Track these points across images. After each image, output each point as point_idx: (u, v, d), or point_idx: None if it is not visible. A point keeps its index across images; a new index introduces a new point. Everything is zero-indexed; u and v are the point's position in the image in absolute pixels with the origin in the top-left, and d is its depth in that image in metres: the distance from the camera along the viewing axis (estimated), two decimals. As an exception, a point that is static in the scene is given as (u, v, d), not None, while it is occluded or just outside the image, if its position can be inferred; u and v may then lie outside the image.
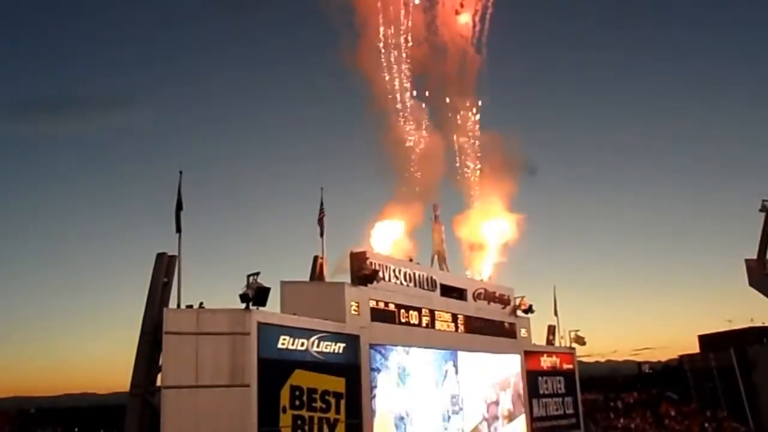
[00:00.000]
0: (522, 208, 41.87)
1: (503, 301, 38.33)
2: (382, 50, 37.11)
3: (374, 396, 28.09)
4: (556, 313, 43.94)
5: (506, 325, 38.19)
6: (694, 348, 58.17)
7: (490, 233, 39.51)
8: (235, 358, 22.76)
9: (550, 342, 43.23)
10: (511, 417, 37.16)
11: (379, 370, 28.64)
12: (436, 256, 37.73)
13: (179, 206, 23.98)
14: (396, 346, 29.81)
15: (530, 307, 39.57)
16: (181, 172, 24.39)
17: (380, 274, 29.18)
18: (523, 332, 39.55)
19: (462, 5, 39.88)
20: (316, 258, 29.47)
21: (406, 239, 34.61)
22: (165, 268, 23.73)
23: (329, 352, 26.09)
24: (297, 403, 24.35)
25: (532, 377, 39.51)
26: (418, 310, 31.61)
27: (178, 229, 23.79)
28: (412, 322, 31.07)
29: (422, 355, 31.37)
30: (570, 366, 43.42)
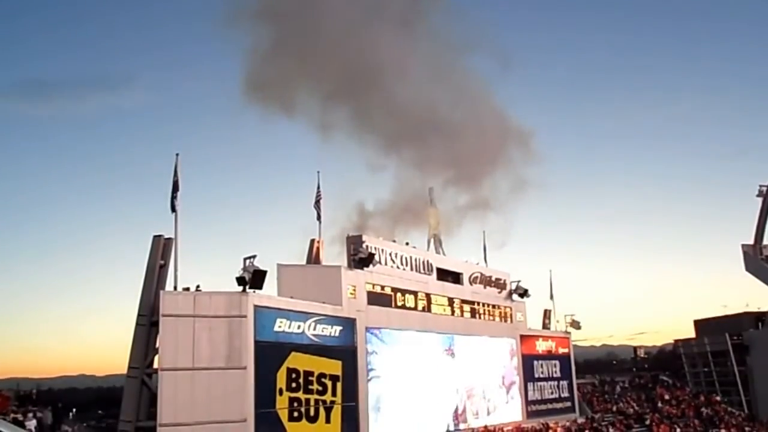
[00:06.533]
0: (518, 193, 42.03)
1: (499, 285, 38.46)
2: None
3: (370, 379, 28.28)
4: (551, 298, 44.20)
5: (502, 309, 38.35)
6: (690, 333, 58.31)
7: None
8: (232, 340, 22.89)
9: (545, 326, 43.41)
10: (506, 400, 37.43)
11: (375, 353, 28.80)
12: (432, 240, 37.77)
13: (176, 188, 23.96)
14: (392, 329, 29.97)
15: (526, 291, 39.73)
16: (177, 155, 24.42)
17: (376, 257, 29.26)
18: (518, 316, 39.72)
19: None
20: (312, 241, 29.44)
21: None
22: (161, 250, 23.75)
23: (326, 335, 26.24)
24: (293, 385, 24.52)
25: (528, 361, 39.73)
26: (414, 293, 31.75)
27: (172, 210, 23.77)
28: (408, 305, 31.25)
29: (418, 339, 31.53)
30: (565, 350, 43.64)
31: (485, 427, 34.13)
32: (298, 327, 25.14)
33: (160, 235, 23.89)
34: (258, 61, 35.48)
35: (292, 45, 35.69)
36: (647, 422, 42.52)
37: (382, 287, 29.89)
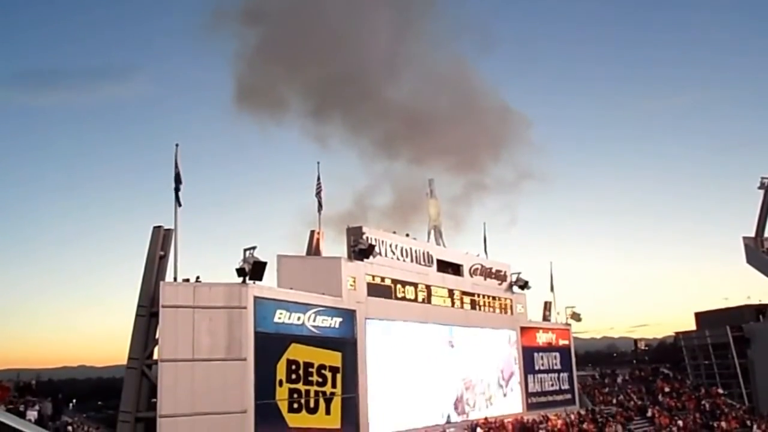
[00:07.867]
0: (519, 186, 41.92)
1: (499, 277, 38.42)
2: None
3: (370, 370, 28.24)
4: (552, 290, 44.08)
5: (502, 300, 38.31)
6: (691, 325, 58.19)
7: None
8: (232, 331, 22.87)
9: (546, 318, 43.36)
10: (506, 392, 37.44)
11: (375, 345, 28.76)
12: (432, 231, 37.66)
13: (178, 180, 23.88)
14: (392, 321, 29.94)
15: (526, 283, 39.67)
16: (177, 145, 24.31)
17: (377, 249, 29.20)
18: (519, 308, 39.68)
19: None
20: (312, 232, 29.37)
21: None
22: (161, 241, 23.73)
23: (326, 327, 26.22)
24: (293, 376, 24.52)
25: (528, 353, 39.72)
26: (415, 285, 31.70)
27: (178, 203, 23.69)
28: (408, 297, 31.21)
29: (418, 330, 31.50)
30: (566, 342, 43.62)
31: (485, 418, 34.13)
32: (298, 318, 25.12)
33: (159, 226, 23.85)
34: (245, 69, 35.36)
35: (278, 51, 35.52)
36: (648, 414, 42.51)
37: (382, 279, 29.85)
